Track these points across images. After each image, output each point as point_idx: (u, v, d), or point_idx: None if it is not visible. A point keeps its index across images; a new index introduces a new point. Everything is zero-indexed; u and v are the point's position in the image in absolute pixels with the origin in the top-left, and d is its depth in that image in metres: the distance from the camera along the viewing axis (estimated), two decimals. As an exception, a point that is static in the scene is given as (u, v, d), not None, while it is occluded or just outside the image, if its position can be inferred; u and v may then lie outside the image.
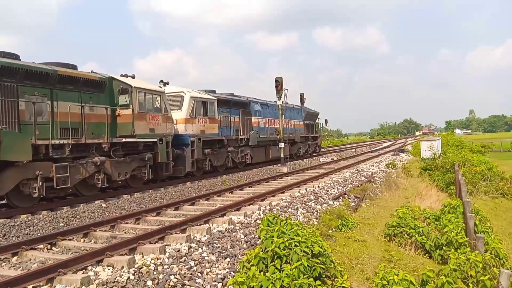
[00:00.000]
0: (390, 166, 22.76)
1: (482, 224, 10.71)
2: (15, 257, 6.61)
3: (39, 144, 10.45)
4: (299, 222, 7.62)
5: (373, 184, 16.45)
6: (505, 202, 18.28)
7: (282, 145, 21.91)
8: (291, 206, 10.59)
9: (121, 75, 14.09)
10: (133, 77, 14.52)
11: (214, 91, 20.21)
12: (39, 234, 8.16)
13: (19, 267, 6.12)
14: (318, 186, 13.75)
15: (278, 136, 23.40)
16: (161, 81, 17.58)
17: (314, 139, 32.58)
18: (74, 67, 12.49)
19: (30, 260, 6.47)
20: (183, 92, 17.08)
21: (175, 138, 15.67)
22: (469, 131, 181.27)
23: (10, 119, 9.96)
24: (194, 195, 12.71)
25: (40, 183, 10.31)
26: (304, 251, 6.19)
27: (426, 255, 9.22)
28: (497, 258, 7.97)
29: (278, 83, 21.89)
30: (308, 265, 5.93)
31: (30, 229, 8.64)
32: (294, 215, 9.72)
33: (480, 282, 6.16)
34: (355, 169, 20.09)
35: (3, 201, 10.88)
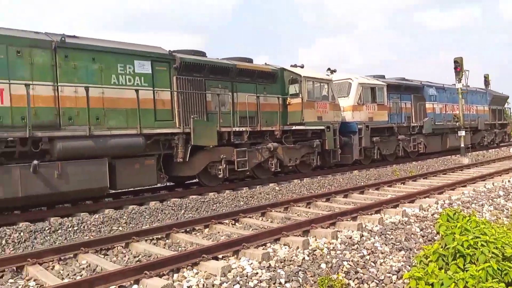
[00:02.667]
0: None
1: None
2: (207, 229, 7.61)
3: (222, 131, 11.73)
4: (486, 220, 6.80)
5: None
6: None
7: (462, 133, 19.71)
8: (475, 201, 9.47)
9: (291, 66, 14.68)
10: (302, 67, 14.96)
11: (383, 76, 19.34)
12: (223, 211, 9.19)
13: (210, 238, 7.03)
14: (509, 181, 11.95)
15: (457, 123, 21.10)
16: (329, 69, 17.65)
17: (502, 126, 28.35)
18: (250, 60, 13.53)
19: (218, 232, 7.37)
20: (351, 79, 16.84)
21: (342, 126, 15.63)
22: None
23: (199, 109, 11.42)
24: (362, 183, 12.50)
25: (224, 166, 11.61)
26: (493, 253, 5.51)
27: None
28: None
29: (458, 64, 19.69)
30: (498, 269, 5.25)
31: (216, 206, 9.80)
32: (479, 212, 8.68)
33: None
34: (558, 162, 16.74)
35: (195, 180, 12.60)
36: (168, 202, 9.82)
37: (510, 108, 31.26)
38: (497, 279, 5.08)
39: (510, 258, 5.59)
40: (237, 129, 12.20)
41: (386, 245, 6.49)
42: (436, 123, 20.62)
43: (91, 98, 9.04)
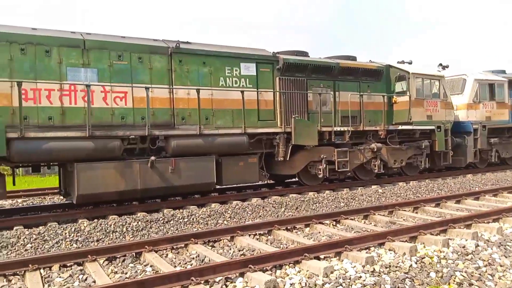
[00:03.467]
0: None
1: None
2: (307, 228, 7.64)
3: (323, 131, 11.65)
4: None
5: None
6: None
7: None
8: None
9: (398, 62, 14.00)
10: (410, 63, 14.17)
11: (503, 71, 17.42)
12: (324, 211, 9.14)
13: (311, 238, 7.05)
14: None
15: None
16: (440, 64, 16.42)
17: None
18: (353, 58, 13.21)
19: (319, 232, 7.35)
20: (465, 75, 15.51)
21: (455, 126, 14.49)
22: None
23: (301, 109, 11.49)
24: (477, 189, 11.44)
25: (324, 166, 11.53)
26: None
27: None
28: None
29: None
30: None
31: (316, 205, 9.77)
32: None
33: None
34: None
35: (295, 179, 12.72)
36: (269, 199, 10.08)
37: None
38: None
39: None
40: (339, 128, 12.02)
41: (506, 257, 5.88)
42: None
43: (201, 99, 9.66)
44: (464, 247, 6.08)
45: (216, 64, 10.32)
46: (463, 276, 5.24)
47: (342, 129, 12.09)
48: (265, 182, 12.16)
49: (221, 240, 6.85)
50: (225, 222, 8.40)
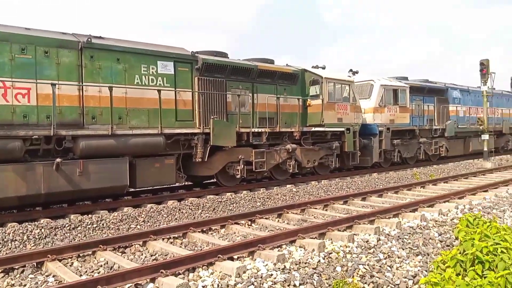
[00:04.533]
0: None
1: None
2: (223, 229, 7.67)
3: (242, 132, 11.81)
4: (507, 226, 6.66)
5: None
6: None
7: (485, 137, 19.23)
8: (497, 207, 9.26)
9: (312, 67, 14.64)
10: (324, 68, 14.89)
11: (406, 78, 19.07)
12: (240, 211, 9.26)
13: (226, 238, 7.09)
14: (534, 187, 11.62)
15: (481, 127, 20.62)
16: (351, 70, 17.50)
17: (528, 130, 27.53)
18: (271, 61, 13.56)
19: (234, 233, 7.43)
20: (373, 81, 16.70)
21: (362, 128, 15.51)
22: None
23: (219, 110, 11.52)
24: (381, 186, 12.38)
25: (242, 166, 11.68)
26: (514, 260, 5.39)
27: None
28: None
29: (484, 66, 19.21)
30: (518, 276, 5.13)
31: (233, 206, 9.87)
32: (500, 218, 8.48)
33: None
34: None
35: (213, 180, 12.71)
36: (186, 201, 9.95)
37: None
38: (518, 288, 4.98)
39: (532, 266, 5.46)
40: (256, 130, 12.26)
41: (403, 249, 6.42)
42: (459, 126, 20.21)
43: (114, 97, 9.24)
44: (367, 241, 6.53)
45: (131, 61, 9.94)
46: (366, 268, 5.63)
47: (259, 130, 12.35)
48: (183, 183, 11.99)
49: (132, 245, 6.60)
50: (138, 226, 8.14)
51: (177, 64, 10.79)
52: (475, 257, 5.50)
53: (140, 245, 6.64)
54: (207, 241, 6.73)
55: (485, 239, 5.91)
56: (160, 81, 10.43)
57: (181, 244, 6.79)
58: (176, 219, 8.72)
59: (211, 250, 5.67)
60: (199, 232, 7.24)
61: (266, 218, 8.34)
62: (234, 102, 11.85)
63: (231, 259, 5.58)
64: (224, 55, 12.34)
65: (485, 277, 5.09)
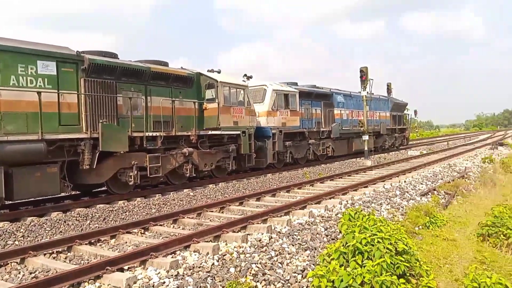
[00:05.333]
0: (486, 160, 20.92)
1: None
2: (113, 240, 7.29)
3: (134, 136, 11.34)
4: (383, 218, 7.39)
5: (466, 180, 15.28)
6: None
7: (366, 137, 21.23)
8: (375, 201, 10.27)
9: (208, 70, 14.70)
10: (219, 72, 15.06)
11: (296, 83, 20.20)
12: (133, 219, 8.88)
13: (117, 249, 6.75)
14: (405, 181, 13.14)
15: (362, 128, 22.72)
16: (245, 75, 18.01)
17: (401, 131, 31.09)
18: (165, 64, 13.29)
19: (126, 242, 7.10)
20: (266, 85, 17.35)
21: (257, 131, 16.01)
22: None
23: (109, 113, 10.92)
24: (275, 186, 12.90)
25: (135, 172, 11.22)
26: (387, 248, 6.00)
27: (527, 259, 8.37)
28: None
29: (363, 73, 21.19)
30: (391, 263, 5.74)
31: (126, 214, 9.44)
32: (378, 211, 9.43)
33: None
34: (446, 163, 18.80)
35: (103, 188, 12.01)
36: (72, 212, 9.27)
37: (408, 114, 34.36)
38: (390, 272, 5.56)
39: (402, 253, 6.14)
40: (151, 134, 11.89)
41: (293, 245, 6.77)
42: (343, 128, 22.01)
43: (-17, 100, 8.21)
44: (260, 240, 6.75)
45: (6, 61, 8.93)
46: (258, 267, 5.81)
47: (154, 134, 12.00)
48: (69, 193, 11.11)
49: (8, 264, 5.93)
50: (17, 242, 7.34)
51: (60, 64, 9.98)
52: (356, 248, 6.01)
53: (17, 262, 5.99)
54: (95, 253, 6.33)
55: (364, 231, 6.48)
56: (40, 82, 9.53)
57: (65, 258, 6.29)
58: (61, 232, 8.04)
59: (99, 262, 5.35)
60: (86, 244, 6.78)
61: (160, 225, 8.14)
62: (125, 105, 11.34)
63: (121, 270, 5.33)
64: (114, 55, 11.75)
65: (364, 266, 5.59)
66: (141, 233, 7.69)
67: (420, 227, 9.09)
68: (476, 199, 13.14)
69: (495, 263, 7.62)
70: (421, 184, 13.18)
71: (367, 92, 21.97)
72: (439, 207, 11.05)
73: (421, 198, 11.42)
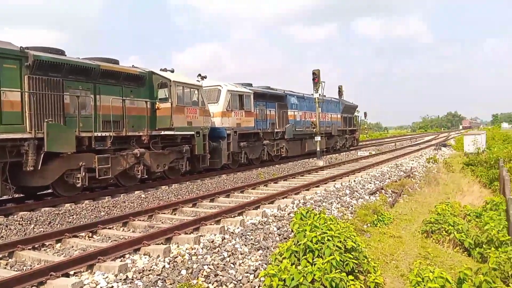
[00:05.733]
0: (430, 160, 22.08)
1: (528, 223, 10.20)
2: (59, 244, 6.98)
3: (82, 136, 10.91)
4: (333, 217, 7.60)
5: (412, 179, 16.03)
6: (555, 200, 17.27)
7: (318, 138, 21.73)
8: (326, 200, 10.52)
9: (161, 70, 14.43)
10: (172, 71, 14.84)
11: (250, 84, 20.30)
12: (81, 223, 8.54)
13: (62, 254, 6.47)
14: (354, 181, 13.58)
15: (314, 130, 23.22)
16: (199, 75, 17.86)
17: (352, 132, 32.07)
18: (116, 62, 12.90)
19: (72, 247, 6.82)
20: (220, 86, 17.30)
21: (211, 131, 15.92)
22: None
23: (55, 112, 10.44)
24: (229, 187, 12.88)
25: (83, 174, 10.80)
26: (337, 246, 6.18)
27: (465, 253, 8.93)
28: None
29: (316, 75, 21.66)
30: (340, 260, 5.91)
31: (73, 218, 9.07)
32: (328, 210, 9.67)
33: (522, 283, 5.91)
34: (393, 163, 19.63)
35: (49, 190, 11.46)
36: (15, 216, 8.78)
37: (359, 116, 35.54)
38: (340, 270, 5.72)
39: (351, 250, 6.34)
40: (100, 134, 11.49)
41: (246, 245, 6.80)
42: (296, 129, 22.40)
43: None
44: (212, 241, 6.72)
45: None
46: (210, 268, 5.78)
47: (104, 134, 11.61)
48: (11, 196, 10.50)
49: None
50: (-50, 249, 6.82)
51: (2, 60, 9.43)
52: (307, 247, 6.13)
53: (-51, 273, 5.58)
54: (39, 258, 6.03)
55: (315, 230, 6.63)
56: (-21, 79, 8.96)
57: (6, 265, 5.94)
58: (2, 237, 7.60)
59: (42, 268, 5.11)
60: (29, 249, 6.45)
61: (110, 228, 7.89)
62: (73, 104, 10.89)
63: (67, 275, 5.12)
64: (61, 52, 11.26)
65: (315, 264, 5.71)
66: (88, 236, 7.42)
67: (369, 225, 9.43)
68: (421, 197, 13.82)
69: (438, 258, 8.06)
70: (370, 183, 13.67)
71: (320, 94, 22.50)
72: (386, 205, 11.51)
73: (369, 197, 11.84)
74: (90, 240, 7.25)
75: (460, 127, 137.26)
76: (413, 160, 21.75)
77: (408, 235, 9.41)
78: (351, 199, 11.20)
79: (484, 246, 8.60)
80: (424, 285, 5.80)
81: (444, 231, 9.32)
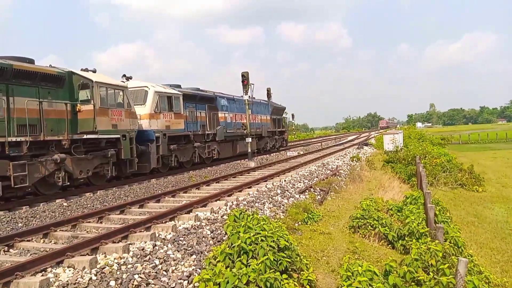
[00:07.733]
0: (354, 159, 23.24)
1: (442, 214, 11.11)
2: (-32, 262, 6.27)
3: (-7, 142, 9.95)
4: (266, 217, 7.65)
5: (338, 177, 16.74)
6: (463, 192, 19.06)
7: (249, 140, 21.91)
8: (258, 200, 10.60)
9: (82, 70, 13.62)
10: (94, 71, 14.07)
11: (179, 86, 19.92)
12: (-6, 236, 7.77)
13: (-28, 272, 5.80)
14: (285, 180, 13.85)
15: (245, 131, 23.38)
16: (124, 75, 17.14)
17: (281, 133, 32.80)
18: (31, 61, 11.95)
19: (-16, 264, 6.16)
20: (147, 87, 16.75)
21: (139, 134, 15.36)
22: (430, 124, 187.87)
23: (-39, 116, 9.43)
24: (159, 192, 12.49)
25: (-4, 183, 9.84)
26: (271, 246, 6.21)
27: (389, 245, 9.48)
28: (456, 247, 8.28)
29: (245, 78, 21.81)
30: (274, 260, 5.95)
31: (-15, 231, 8.22)
32: (261, 210, 9.74)
33: (440, 270, 6.37)
34: (320, 162, 20.37)
35: (-45, 203, 10.30)
36: None
37: (287, 118, 36.46)
38: (274, 269, 5.75)
39: (284, 249, 6.41)
40: (14, 139, 10.56)
41: (179, 251, 6.60)
42: (227, 131, 22.39)
43: None
44: (143, 249, 6.44)
45: None
46: (142, 277, 5.52)
47: (18, 139, 10.68)
48: None
49: None
50: None
51: None
52: (241, 249, 6.09)
53: None
54: None
55: (249, 231, 6.62)
56: None
57: None
58: None
59: None
60: None
61: (28, 241, 7.26)
62: (-18, 107, 9.89)
63: (-23, 297, 4.59)
64: (-34, 49, 10.18)
65: (249, 266, 5.69)
66: (4, 251, 6.75)
67: (300, 223, 9.65)
68: (347, 194, 14.47)
69: (365, 252, 8.46)
70: (300, 182, 14.03)
71: (249, 96, 22.69)
72: (315, 203, 11.88)
73: (299, 196, 12.14)
74: (6, 254, 6.60)
75: (379, 127, 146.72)
76: (338, 159, 22.75)
77: (337, 231, 9.78)
78: (283, 198, 11.41)
79: (406, 238, 9.19)
80: (354, 279, 6.04)
81: (369, 226, 9.81)
